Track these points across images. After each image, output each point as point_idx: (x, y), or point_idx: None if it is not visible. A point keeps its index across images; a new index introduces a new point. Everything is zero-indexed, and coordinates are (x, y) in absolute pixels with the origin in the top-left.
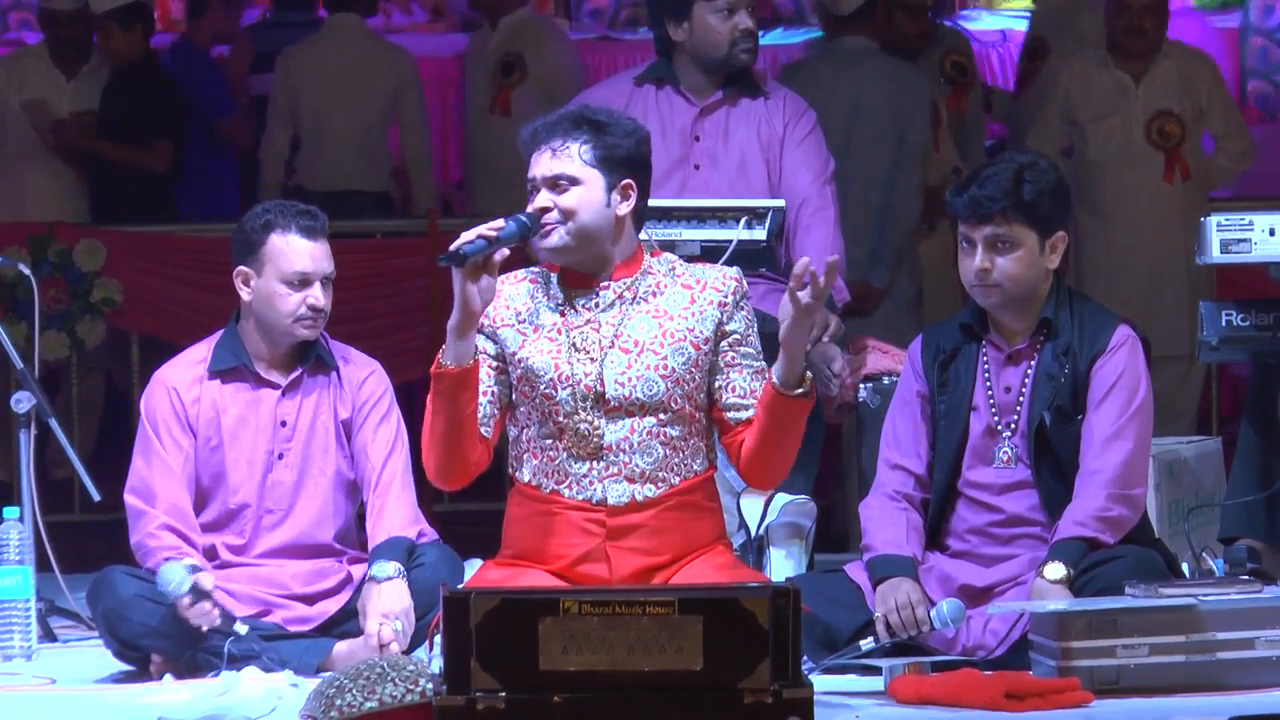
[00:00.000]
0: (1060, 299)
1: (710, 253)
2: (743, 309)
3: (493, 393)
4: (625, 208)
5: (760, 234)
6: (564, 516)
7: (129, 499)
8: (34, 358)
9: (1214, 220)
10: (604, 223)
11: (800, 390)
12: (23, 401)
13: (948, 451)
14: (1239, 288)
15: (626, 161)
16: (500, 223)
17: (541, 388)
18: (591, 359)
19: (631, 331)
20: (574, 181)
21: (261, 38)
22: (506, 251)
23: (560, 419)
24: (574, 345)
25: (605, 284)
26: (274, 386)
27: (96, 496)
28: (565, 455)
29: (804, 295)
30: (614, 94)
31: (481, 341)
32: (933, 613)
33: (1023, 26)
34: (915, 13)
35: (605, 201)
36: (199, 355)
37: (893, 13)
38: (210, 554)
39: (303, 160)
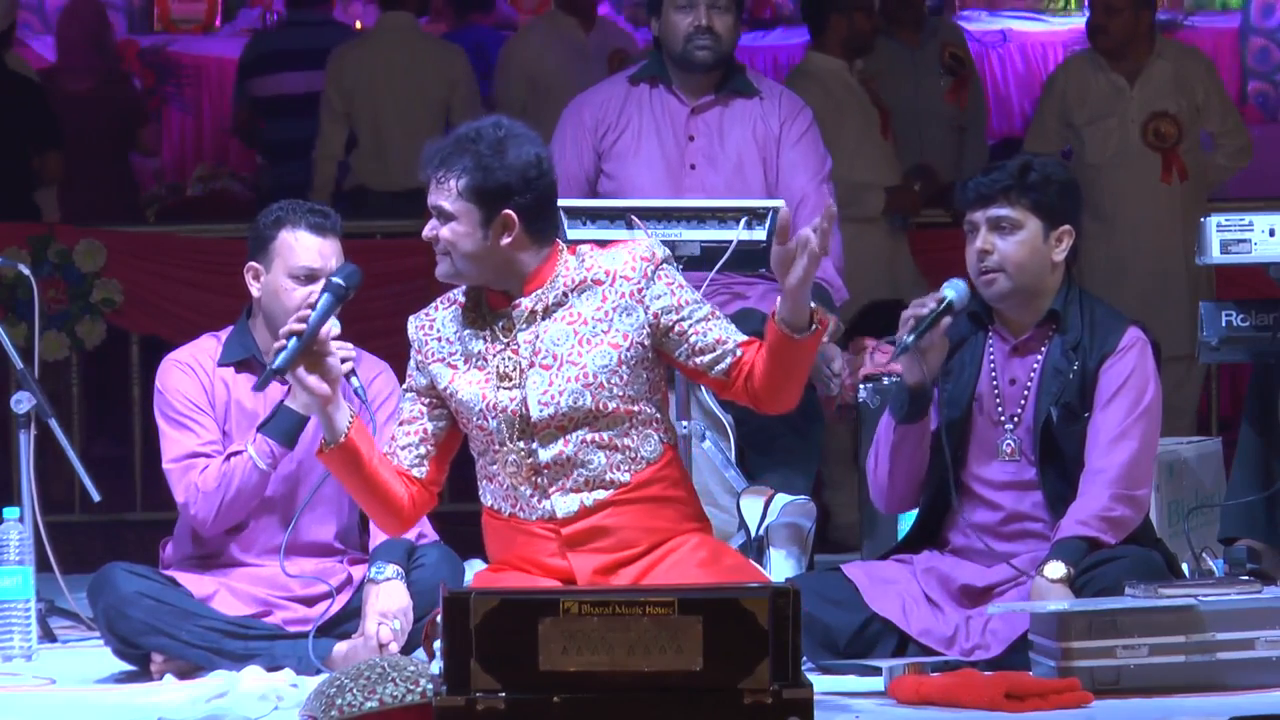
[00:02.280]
0: (1070, 295)
1: (710, 253)
2: (659, 279)
3: (424, 430)
4: (505, 239)
5: (760, 234)
6: (524, 531)
7: (170, 466)
8: (34, 358)
9: (1214, 220)
10: (484, 255)
11: (810, 330)
12: (23, 402)
13: (947, 440)
14: (1239, 288)
15: (505, 190)
16: (305, 311)
17: (475, 420)
18: (515, 385)
19: (548, 346)
20: (449, 216)
21: (276, 37)
22: (332, 326)
23: (496, 447)
24: (498, 372)
25: (517, 302)
26: (282, 381)
27: (96, 497)
28: (509, 480)
29: (799, 246)
30: (610, 94)
31: (417, 378)
32: (943, 290)
33: (1024, 27)
34: (870, 13)
35: (481, 236)
36: (208, 345)
37: (853, 15)
38: (214, 553)
39: (362, 160)
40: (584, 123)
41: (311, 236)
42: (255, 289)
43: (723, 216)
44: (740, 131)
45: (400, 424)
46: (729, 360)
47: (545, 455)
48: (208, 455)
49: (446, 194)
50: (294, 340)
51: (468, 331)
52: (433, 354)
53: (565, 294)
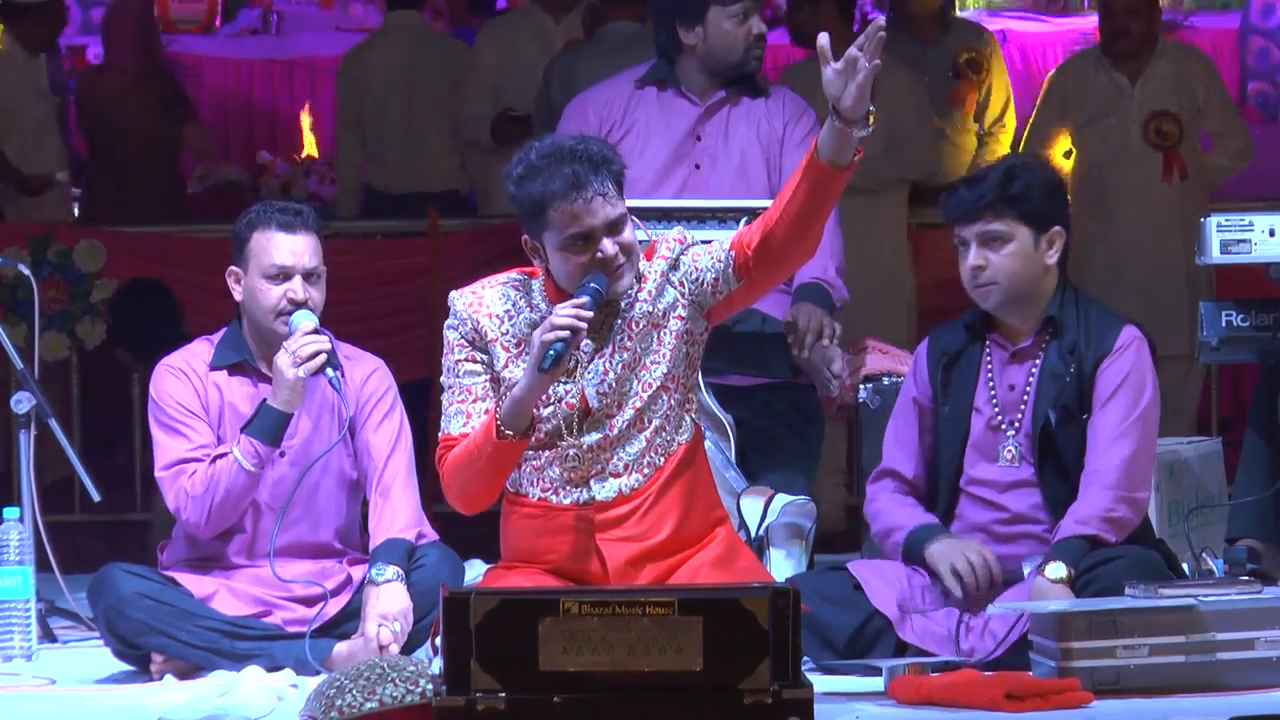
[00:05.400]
0: (1066, 298)
1: None
2: (685, 254)
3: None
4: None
5: None
6: (554, 519)
7: (161, 474)
8: (34, 358)
9: (1214, 221)
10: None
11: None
12: (23, 402)
13: (949, 453)
14: (1239, 288)
15: (624, 172)
16: (584, 301)
17: None
18: (571, 378)
19: (603, 339)
20: (624, 221)
21: None
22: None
23: (543, 436)
24: None
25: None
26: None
27: (96, 497)
28: (548, 465)
29: (847, 66)
30: (614, 95)
31: (476, 354)
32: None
33: (1024, 27)
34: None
35: (633, 227)
36: (201, 349)
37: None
38: (214, 554)
39: (371, 162)
40: (589, 121)
41: (282, 235)
42: (237, 292)
43: (723, 217)
44: (745, 131)
45: (475, 401)
46: (729, 256)
47: (591, 440)
48: (197, 460)
49: (612, 203)
50: (568, 334)
51: (524, 317)
52: (488, 331)
53: (628, 290)
